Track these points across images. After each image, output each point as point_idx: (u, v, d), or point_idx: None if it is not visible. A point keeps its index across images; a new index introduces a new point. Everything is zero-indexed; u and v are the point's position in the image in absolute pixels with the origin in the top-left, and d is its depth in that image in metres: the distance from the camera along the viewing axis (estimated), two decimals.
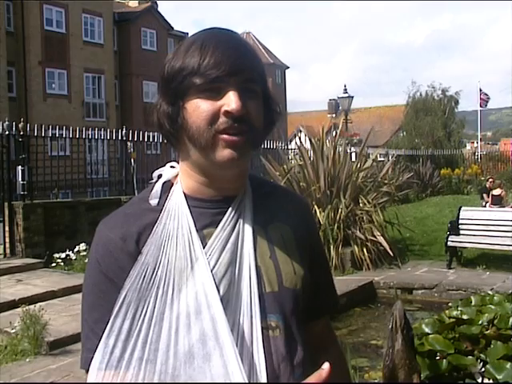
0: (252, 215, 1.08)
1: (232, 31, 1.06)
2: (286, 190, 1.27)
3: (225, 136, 0.98)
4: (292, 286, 1.06)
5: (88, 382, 0.97)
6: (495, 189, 13.49)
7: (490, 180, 14.45)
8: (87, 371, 0.99)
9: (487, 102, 35.50)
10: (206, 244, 1.02)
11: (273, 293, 1.04)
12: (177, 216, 1.04)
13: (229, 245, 1.03)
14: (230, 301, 0.99)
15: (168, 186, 1.09)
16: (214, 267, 1.00)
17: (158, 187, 1.09)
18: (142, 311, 0.97)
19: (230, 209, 1.06)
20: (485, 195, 13.91)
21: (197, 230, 1.03)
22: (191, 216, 1.04)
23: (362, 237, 8.57)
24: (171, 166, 1.12)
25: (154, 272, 0.99)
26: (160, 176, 1.12)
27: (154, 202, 1.07)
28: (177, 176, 1.10)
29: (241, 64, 0.99)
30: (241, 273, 1.02)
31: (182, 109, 1.01)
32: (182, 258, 1.00)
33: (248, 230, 1.06)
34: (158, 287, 0.98)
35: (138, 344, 0.96)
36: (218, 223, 1.04)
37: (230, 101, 0.97)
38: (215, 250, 1.02)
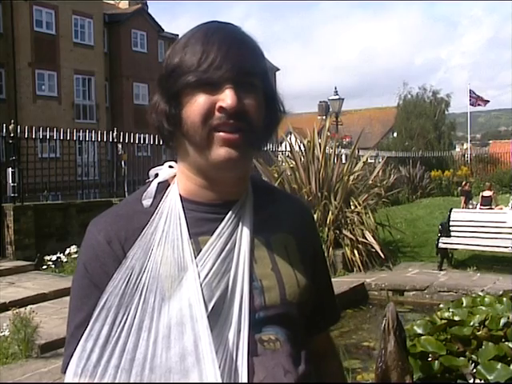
0: (251, 223, 1.02)
1: (232, 24, 1.01)
2: (288, 196, 1.21)
3: (221, 134, 0.93)
4: (296, 300, 1.00)
5: None
6: (485, 190, 13.72)
7: (468, 184, 15.80)
8: None
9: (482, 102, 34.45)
10: (200, 251, 0.97)
11: (274, 306, 0.98)
12: (169, 219, 0.98)
13: (223, 254, 0.97)
14: (219, 314, 0.94)
15: (164, 186, 1.03)
16: (205, 277, 0.94)
17: (152, 187, 1.03)
18: (122, 318, 0.93)
19: (228, 215, 1.00)
20: (462, 198, 14.74)
21: (191, 236, 0.97)
22: (185, 220, 0.98)
23: (354, 238, 8.59)
24: (169, 166, 1.07)
25: (139, 278, 0.94)
26: (157, 175, 1.06)
27: (146, 202, 1.01)
28: (174, 176, 1.04)
29: (242, 60, 0.94)
30: (234, 284, 0.96)
31: (179, 106, 0.96)
32: (170, 265, 0.95)
33: (245, 238, 1.00)
34: (141, 294, 0.93)
35: (115, 351, 0.92)
36: (215, 230, 0.98)
37: (226, 96, 0.92)
38: (208, 259, 0.96)
